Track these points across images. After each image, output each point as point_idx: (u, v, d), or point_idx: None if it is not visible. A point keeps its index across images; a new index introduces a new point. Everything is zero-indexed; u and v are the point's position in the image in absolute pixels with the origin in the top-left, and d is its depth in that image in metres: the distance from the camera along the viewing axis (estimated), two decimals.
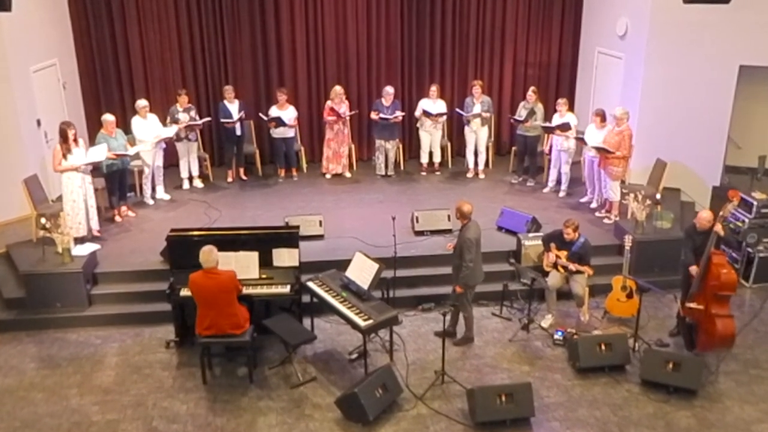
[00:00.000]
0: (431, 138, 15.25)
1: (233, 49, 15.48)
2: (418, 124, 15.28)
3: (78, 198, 11.59)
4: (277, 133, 14.70)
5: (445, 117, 15.13)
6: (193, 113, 14.14)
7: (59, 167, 11.57)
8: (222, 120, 14.37)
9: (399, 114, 14.84)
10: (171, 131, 13.59)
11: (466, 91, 16.00)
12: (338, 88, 14.71)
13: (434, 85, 15.10)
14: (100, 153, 11.89)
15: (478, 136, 14.98)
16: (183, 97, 14.01)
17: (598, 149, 12.60)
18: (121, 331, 10.63)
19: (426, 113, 14.76)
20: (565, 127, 13.46)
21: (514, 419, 8.56)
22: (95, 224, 12.04)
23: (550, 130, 13.80)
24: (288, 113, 14.60)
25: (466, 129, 15.07)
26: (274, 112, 14.56)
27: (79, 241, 11.49)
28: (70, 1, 14.69)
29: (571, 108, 15.27)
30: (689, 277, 9.85)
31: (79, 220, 11.65)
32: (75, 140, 11.70)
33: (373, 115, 14.87)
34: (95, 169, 12.27)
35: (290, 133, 14.87)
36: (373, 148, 15.64)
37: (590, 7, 16.00)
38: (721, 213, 9.67)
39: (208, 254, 8.87)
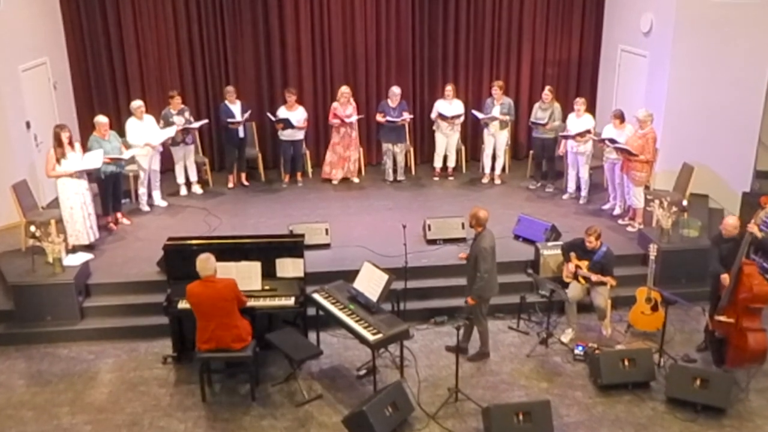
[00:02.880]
0: (447, 141, 15.27)
1: (234, 47, 15.54)
2: (434, 127, 15.32)
3: (75, 205, 11.67)
4: (286, 135, 14.74)
5: (461, 118, 15.13)
6: (187, 114, 14.15)
7: (52, 172, 11.65)
8: (228, 120, 14.41)
9: (406, 116, 14.88)
10: (170, 132, 13.61)
11: (481, 92, 16.09)
12: (345, 89, 14.79)
13: (449, 84, 15.13)
14: (96, 159, 11.93)
15: (496, 139, 15.00)
16: (176, 99, 14.01)
17: (621, 150, 12.60)
18: (115, 345, 10.67)
19: (441, 116, 14.82)
20: (584, 134, 13.52)
21: None
22: (95, 233, 12.10)
23: (569, 138, 13.79)
24: (297, 114, 14.64)
25: (485, 132, 15.08)
26: (282, 113, 14.60)
27: (70, 250, 11.54)
28: None
29: (591, 108, 15.30)
30: (718, 288, 9.86)
31: (79, 228, 11.74)
32: (70, 144, 11.76)
33: (379, 118, 14.92)
34: (88, 174, 12.29)
35: (299, 135, 14.91)
36: (381, 152, 15.68)
37: (613, 2, 16.02)
38: (751, 221, 9.66)
39: (205, 262, 8.92)
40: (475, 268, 9.70)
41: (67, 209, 11.69)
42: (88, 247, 11.93)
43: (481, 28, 16.16)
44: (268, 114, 14.89)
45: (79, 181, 11.74)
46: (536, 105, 14.69)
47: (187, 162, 14.56)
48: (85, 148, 12.23)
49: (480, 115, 14.79)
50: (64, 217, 11.71)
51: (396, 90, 14.86)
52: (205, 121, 14.82)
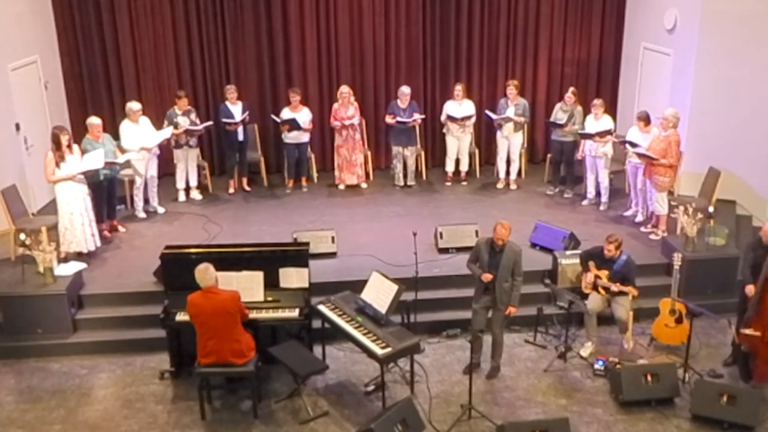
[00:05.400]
0: (459, 144, 15.27)
1: (235, 46, 15.56)
2: (444, 129, 15.34)
3: (76, 210, 11.67)
4: (290, 137, 14.74)
5: (473, 120, 15.14)
6: (193, 116, 14.22)
7: (52, 177, 11.65)
8: (224, 121, 14.42)
9: (417, 117, 14.90)
10: (165, 134, 13.65)
11: (495, 92, 16.07)
12: (344, 89, 14.80)
13: (459, 84, 15.11)
14: (96, 160, 11.96)
15: (510, 142, 15.00)
16: (183, 100, 14.06)
17: (642, 156, 12.61)
18: (109, 360, 10.70)
19: (450, 118, 14.86)
20: (605, 134, 13.51)
21: None
22: (96, 241, 12.10)
23: (588, 137, 13.79)
24: (303, 115, 14.63)
25: (498, 134, 15.09)
26: (286, 114, 14.60)
27: (63, 259, 11.56)
28: None
29: (612, 110, 15.29)
30: (746, 299, 9.83)
31: (78, 236, 11.73)
32: (69, 146, 11.77)
33: (389, 119, 14.94)
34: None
35: (305, 137, 14.91)
36: (391, 156, 15.70)
37: None
38: None
39: (204, 272, 8.95)
40: (506, 279, 9.78)
41: (66, 215, 11.67)
42: (81, 256, 11.92)
43: (496, 24, 16.13)
44: (272, 116, 14.91)
45: (79, 186, 11.76)
46: (557, 106, 14.70)
47: (189, 165, 14.54)
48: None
49: (493, 116, 14.80)
50: (62, 223, 11.69)
51: (405, 90, 14.86)
52: (210, 123, 14.81)
